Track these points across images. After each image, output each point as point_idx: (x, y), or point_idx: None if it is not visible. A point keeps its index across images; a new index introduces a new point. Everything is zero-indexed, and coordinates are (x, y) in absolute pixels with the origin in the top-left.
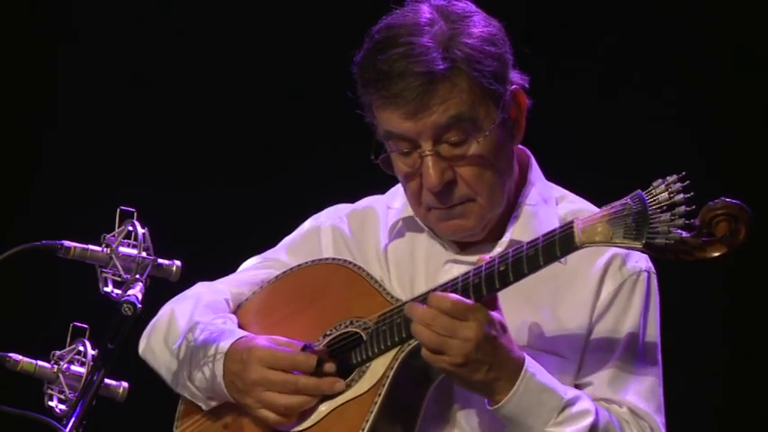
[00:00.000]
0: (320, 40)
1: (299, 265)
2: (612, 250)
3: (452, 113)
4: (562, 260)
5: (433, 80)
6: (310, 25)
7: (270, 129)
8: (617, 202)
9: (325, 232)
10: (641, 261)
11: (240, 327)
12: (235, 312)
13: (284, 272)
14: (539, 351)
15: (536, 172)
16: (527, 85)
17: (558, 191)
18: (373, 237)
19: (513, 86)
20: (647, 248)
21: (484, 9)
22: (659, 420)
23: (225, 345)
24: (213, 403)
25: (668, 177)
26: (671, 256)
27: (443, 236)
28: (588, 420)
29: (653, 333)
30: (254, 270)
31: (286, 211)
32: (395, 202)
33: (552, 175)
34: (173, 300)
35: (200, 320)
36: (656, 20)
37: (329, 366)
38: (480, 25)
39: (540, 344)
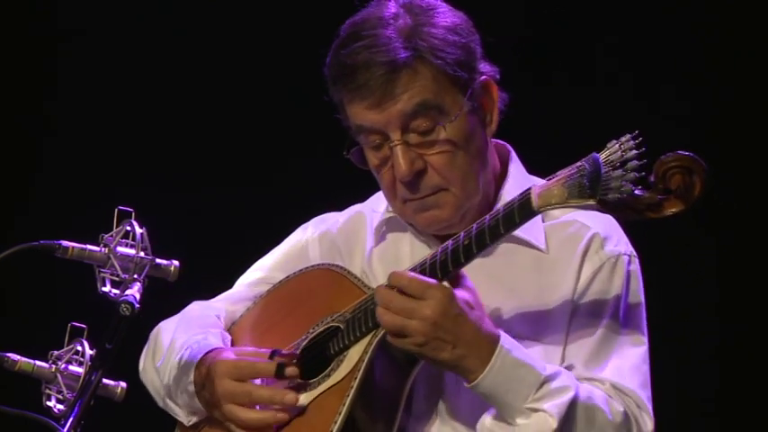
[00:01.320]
0: (321, 41)
1: (287, 277)
2: (591, 233)
3: (417, 101)
4: (542, 247)
5: (396, 69)
6: (309, 27)
7: (269, 129)
8: (573, 165)
9: (312, 244)
10: (621, 245)
11: (234, 342)
12: (229, 329)
13: (273, 286)
14: (523, 340)
15: (517, 166)
16: (498, 77)
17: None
18: (361, 241)
19: (483, 77)
20: (602, 206)
21: (482, 9)
22: (644, 395)
23: (194, 359)
24: (194, 419)
25: (622, 137)
26: (631, 213)
27: (421, 229)
28: (569, 395)
29: (635, 313)
30: (248, 287)
31: (285, 212)
32: (379, 206)
33: (538, 171)
34: (162, 322)
35: (179, 337)
36: (657, 20)
37: (291, 371)
38: (444, 16)
39: (525, 332)
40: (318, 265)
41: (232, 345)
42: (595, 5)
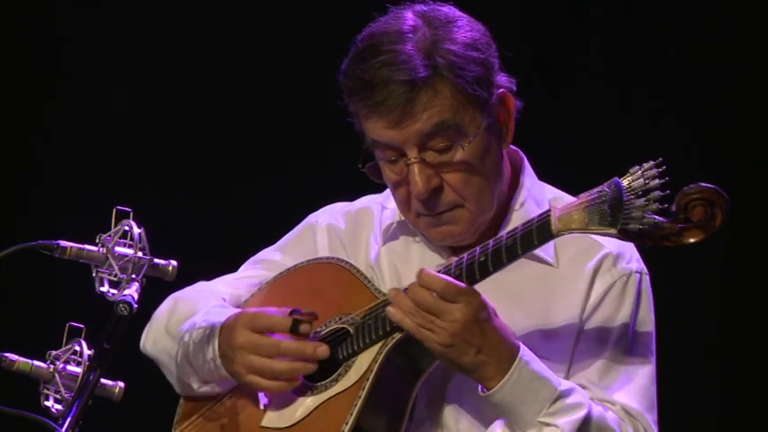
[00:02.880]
0: (320, 42)
1: (295, 266)
2: (604, 251)
3: (436, 121)
4: (552, 261)
5: (416, 87)
6: (308, 28)
7: (268, 128)
8: (594, 189)
9: (321, 232)
10: (632, 262)
11: None
12: None
13: (280, 273)
14: None
15: (529, 174)
16: (515, 88)
17: (551, 191)
18: (367, 238)
19: (500, 90)
20: (623, 234)
21: (480, 9)
22: (650, 419)
23: (220, 320)
24: (208, 387)
25: (645, 164)
26: (649, 242)
27: (434, 241)
28: (581, 413)
29: (644, 333)
30: (252, 272)
31: (283, 211)
32: (390, 202)
33: (547, 176)
34: (174, 294)
35: (201, 308)
36: (656, 20)
37: (305, 328)
38: (464, 30)
39: (529, 347)
40: (328, 258)
41: None
42: (593, 5)
